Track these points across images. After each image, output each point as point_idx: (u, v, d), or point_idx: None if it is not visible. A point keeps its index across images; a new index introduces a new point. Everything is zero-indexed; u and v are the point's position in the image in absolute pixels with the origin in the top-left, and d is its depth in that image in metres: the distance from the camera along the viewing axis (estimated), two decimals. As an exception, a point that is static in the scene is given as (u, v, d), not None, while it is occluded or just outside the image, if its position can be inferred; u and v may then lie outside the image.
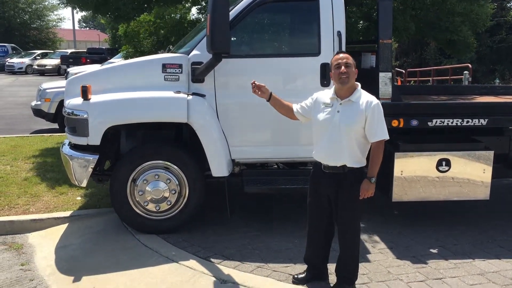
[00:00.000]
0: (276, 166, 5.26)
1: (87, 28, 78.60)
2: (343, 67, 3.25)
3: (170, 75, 4.50)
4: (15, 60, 31.04)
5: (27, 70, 30.09)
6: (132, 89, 4.46)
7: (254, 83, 3.63)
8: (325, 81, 4.56)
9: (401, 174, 4.60)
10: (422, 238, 4.54)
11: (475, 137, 4.93)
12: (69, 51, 33.45)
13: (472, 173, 4.61)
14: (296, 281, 3.65)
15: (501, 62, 26.67)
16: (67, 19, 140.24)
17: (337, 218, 3.40)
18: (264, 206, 5.42)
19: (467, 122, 4.52)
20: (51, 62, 29.70)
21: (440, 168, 4.59)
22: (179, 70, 4.50)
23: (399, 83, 15.43)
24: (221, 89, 4.53)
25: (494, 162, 5.07)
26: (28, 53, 33.11)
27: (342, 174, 3.28)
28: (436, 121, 4.51)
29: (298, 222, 4.88)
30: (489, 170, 4.64)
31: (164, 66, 4.50)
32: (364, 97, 3.28)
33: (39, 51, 33.33)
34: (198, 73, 4.41)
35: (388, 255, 4.16)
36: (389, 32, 4.61)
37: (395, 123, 4.50)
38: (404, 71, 14.80)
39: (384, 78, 4.58)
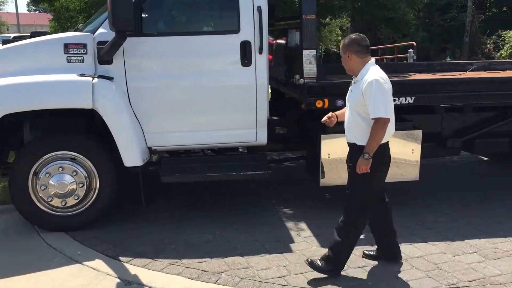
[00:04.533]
0: (203, 152, 4.95)
1: (37, 12, 74.88)
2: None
3: (74, 56, 4.07)
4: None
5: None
6: (31, 72, 4.00)
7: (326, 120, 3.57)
8: (245, 61, 4.25)
9: (329, 157, 4.39)
10: (350, 223, 4.36)
11: (406, 116, 4.80)
12: (12, 35, 31.63)
13: (400, 154, 4.45)
14: (365, 256, 3.66)
15: (452, 40, 27.18)
16: (11, 1, 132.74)
17: (346, 192, 3.39)
18: (194, 195, 5.11)
19: (394, 100, 4.29)
20: (-7, 47, 28.00)
21: (368, 150, 4.38)
22: (83, 51, 4.07)
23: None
24: (132, 71, 4.14)
25: (426, 141, 5.00)
26: (-31, 38, 31.07)
27: (356, 151, 3.27)
28: (362, 101, 4.29)
29: (223, 211, 4.63)
30: (418, 149, 4.50)
31: (66, 47, 4.05)
32: (367, 75, 3.21)
33: (-19, 36, 31.35)
34: (103, 54, 4.00)
35: (313, 244, 3.95)
36: (313, 6, 4.32)
37: (319, 103, 4.26)
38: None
39: (309, 56, 4.31)
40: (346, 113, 3.41)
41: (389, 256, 3.64)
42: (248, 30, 4.22)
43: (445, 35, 27.55)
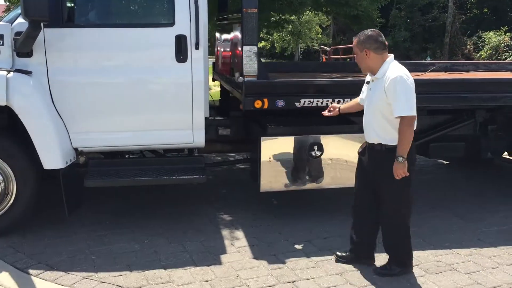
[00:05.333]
0: (142, 154, 4.63)
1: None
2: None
3: (-11, 48, 3.72)
4: None
5: None
6: None
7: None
8: (181, 56, 3.94)
9: (270, 161, 4.11)
10: (291, 231, 4.09)
11: (355, 118, 4.54)
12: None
13: (346, 158, 4.20)
14: (338, 258, 3.55)
15: (433, 40, 27.17)
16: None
17: (378, 196, 3.31)
18: (129, 199, 4.79)
19: (338, 102, 4.06)
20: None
21: (312, 153, 4.13)
22: (0, 42, 3.73)
23: (324, 60, 15.20)
24: (54, 65, 3.80)
25: (431, 142, 4.77)
26: None
27: (379, 152, 3.18)
28: (305, 102, 4.02)
29: (157, 217, 4.33)
30: (365, 154, 4.23)
31: (-20, 37, 3.70)
32: (389, 72, 3.08)
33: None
34: (19, 46, 3.65)
35: (246, 255, 3.67)
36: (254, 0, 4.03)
37: (258, 104, 3.98)
38: (328, 49, 14.47)
39: (249, 53, 4.01)
40: (365, 114, 3.27)
41: (365, 257, 3.51)
42: (183, 24, 3.92)
43: (426, 35, 27.53)
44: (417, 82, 4.48)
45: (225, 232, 4.06)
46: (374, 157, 3.25)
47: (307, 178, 4.19)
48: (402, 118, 3.00)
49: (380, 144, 3.17)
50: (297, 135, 4.11)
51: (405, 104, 3.00)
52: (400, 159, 3.03)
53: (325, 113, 3.68)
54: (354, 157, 4.17)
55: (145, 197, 4.80)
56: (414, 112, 3.03)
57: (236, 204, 4.71)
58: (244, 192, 4.96)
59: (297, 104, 4.01)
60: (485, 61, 7.44)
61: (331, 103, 4.03)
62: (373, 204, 3.37)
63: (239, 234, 4.04)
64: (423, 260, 3.62)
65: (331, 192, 4.67)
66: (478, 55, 25.23)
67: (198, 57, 3.98)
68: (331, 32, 28.97)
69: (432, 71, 5.82)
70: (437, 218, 4.43)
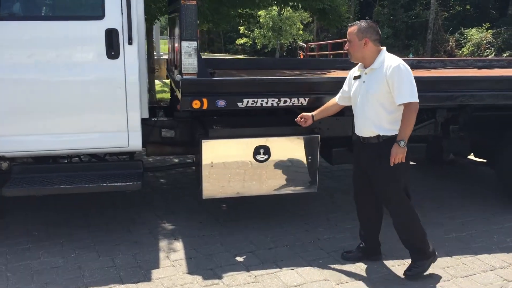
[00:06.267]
0: (79, 159, 4.30)
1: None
2: (346, 44, 3.22)
3: None
4: None
5: None
6: None
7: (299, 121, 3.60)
8: (112, 52, 3.62)
9: (212, 166, 3.81)
10: (235, 241, 3.80)
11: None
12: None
13: (295, 162, 3.92)
14: (345, 257, 3.53)
15: (415, 37, 27.09)
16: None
17: (376, 190, 3.30)
18: (65, 207, 4.46)
19: (285, 102, 3.77)
20: None
21: (258, 157, 3.84)
22: None
23: (301, 56, 14.92)
24: (-31, 61, 3.46)
25: (337, 147, 4.52)
26: None
27: (377, 144, 3.14)
28: (248, 101, 3.72)
29: (90, 227, 4.02)
30: (315, 157, 3.95)
31: None
32: (387, 61, 3.06)
33: None
34: None
35: (180, 269, 3.36)
36: (192, -10, 3.71)
37: (196, 104, 3.65)
38: (305, 45, 14.19)
39: (188, 48, 3.69)
40: (358, 108, 3.20)
41: (371, 254, 3.51)
42: (114, 16, 3.60)
43: (409, 32, 27.45)
44: None
45: (163, 243, 3.75)
46: (371, 151, 3.19)
47: (253, 183, 3.89)
48: (408, 104, 3.00)
49: (378, 136, 3.13)
50: (241, 138, 3.81)
51: (410, 90, 3.01)
52: (402, 143, 3.03)
53: (298, 120, 3.61)
54: (303, 162, 3.96)
55: (85, 205, 4.46)
56: (416, 99, 3.03)
57: (181, 211, 4.40)
58: (193, 198, 4.65)
59: (239, 104, 3.71)
60: (453, 58, 7.20)
61: (277, 103, 3.77)
62: (374, 202, 3.40)
63: (178, 245, 3.73)
64: (371, 272, 3.35)
65: (283, 198, 4.39)
66: (460, 51, 25.21)
67: (131, 53, 3.66)
68: (314, 29, 28.77)
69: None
70: (392, 225, 4.15)
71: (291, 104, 3.78)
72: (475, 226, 4.15)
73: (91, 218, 4.21)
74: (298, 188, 4.00)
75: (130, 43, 3.64)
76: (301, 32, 20.92)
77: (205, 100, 3.66)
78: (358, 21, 3.19)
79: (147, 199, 4.71)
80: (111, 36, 3.60)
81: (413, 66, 5.82)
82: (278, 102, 3.75)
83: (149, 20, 6.77)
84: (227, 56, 24.78)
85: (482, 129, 4.74)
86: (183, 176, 5.47)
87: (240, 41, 24.29)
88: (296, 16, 20.04)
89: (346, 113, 4.45)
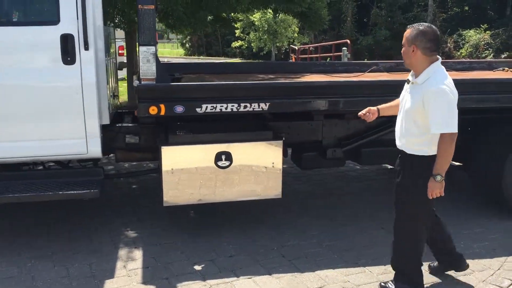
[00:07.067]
0: (43, 167, 4.24)
1: None
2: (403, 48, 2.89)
3: None
4: None
5: None
6: None
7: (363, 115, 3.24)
8: (68, 58, 3.57)
9: (172, 173, 3.74)
10: (197, 249, 3.73)
11: (274, 123, 4.21)
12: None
13: (258, 168, 3.85)
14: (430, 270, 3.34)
15: (414, 38, 26.94)
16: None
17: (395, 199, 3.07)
18: (27, 214, 4.40)
19: (245, 107, 3.71)
20: None
21: (220, 163, 3.77)
22: None
23: (293, 60, 14.84)
24: None
25: (306, 151, 4.46)
26: None
27: (405, 157, 2.92)
28: (207, 107, 3.66)
29: (50, 236, 3.96)
30: (279, 162, 3.88)
31: None
32: (431, 80, 2.75)
33: None
34: None
35: (134, 279, 3.30)
36: (151, -6, 3.66)
37: (153, 110, 3.60)
38: (297, 48, 14.13)
39: (146, 53, 3.63)
40: (399, 117, 2.99)
41: (454, 265, 3.30)
42: (70, 21, 3.55)
43: (407, 34, 27.34)
44: (317, 85, 4.19)
45: (122, 252, 3.69)
46: (403, 164, 2.97)
47: (216, 190, 3.83)
48: (442, 135, 2.72)
49: (411, 154, 2.90)
50: (202, 144, 3.75)
51: (444, 119, 2.70)
52: (439, 178, 2.74)
53: (361, 114, 3.24)
54: (267, 167, 3.89)
55: (50, 213, 4.41)
56: (453, 129, 2.71)
57: (147, 218, 4.34)
58: (159, 205, 4.58)
59: (198, 110, 3.64)
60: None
61: (237, 108, 3.71)
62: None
63: (138, 253, 3.67)
64: (330, 281, 3.27)
65: (251, 204, 4.32)
66: (458, 53, 25.09)
67: (88, 58, 3.61)
68: (315, 31, 28.72)
69: (372, 71, 5.51)
70: (361, 230, 4.09)
71: (251, 109, 3.72)
72: (445, 232, 4.06)
73: (54, 226, 4.15)
74: (262, 194, 3.92)
75: (86, 48, 3.59)
76: (296, 35, 20.86)
77: (162, 106, 3.60)
78: (416, 24, 2.87)
79: (114, 206, 4.65)
80: (67, 42, 3.55)
81: (391, 69, 5.78)
82: (238, 108, 3.69)
83: (128, 25, 6.73)
84: (222, 60, 24.81)
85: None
86: (155, 182, 5.41)
87: (236, 44, 24.28)
88: (291, 19, 19.97)
89: (315, 117, 4.45)
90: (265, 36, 21.07)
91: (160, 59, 4.51)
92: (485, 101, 4.06)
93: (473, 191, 4.76)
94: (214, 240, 3.88)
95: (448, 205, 4.65)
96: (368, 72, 5.35)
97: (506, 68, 5.78)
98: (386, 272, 3.37)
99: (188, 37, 32.77)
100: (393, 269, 3.14)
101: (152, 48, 3.65)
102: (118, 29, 7.45)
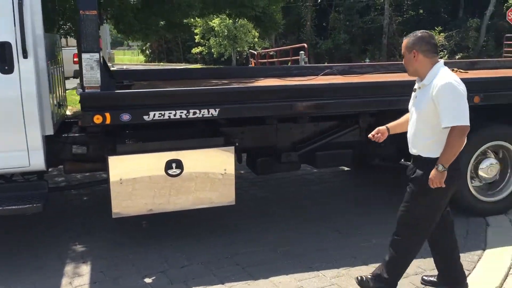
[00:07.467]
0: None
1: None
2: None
3: None
4: None
5: None
6: None
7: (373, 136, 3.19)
8: (6, 67, 3.41)
9: (121, 183, 3.63)
10: (147, 261, 3.62)
11: (226, 129, 4.17)
12: None
13: (210, 175, 3.78)
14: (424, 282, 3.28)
15: (371, 42, 27.62)
16: None
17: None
18: None
19: (194, 113, 3.64)
20: None
21: (170, 172, 3.69)
22: None
23: (253, 64, 14.88)
24: None
25: (260, 156, 4.44)
26: None
27: (423, 165, 2.87)
28: (155, 114, 3.56)
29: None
30: (231, 168, 3.84)
31: None
32: (438, 78, 2.79)
33: None
34: None
35: (80, 295, 3.17)
36: (93, 0, 3.55)
37: (98, 119, 3.47)
38: (256, 53, 14.17)
39: (90, 61, 3.50)
40: (410, 123, 2.98)
41: (450, 282, 3.17)
42: (6, 29, 3.39)
43: (365, 37, 27.96)
44: (266, 89, 4.14)
45: (69, 268, 3.54)
46: (420, 166, 2.90)
47: (167, 199, 3.74)
48: (453, 128, 2.72)
49: (420, 156, 2.89)
50: (151, 152, 3.66)
51: (455, 113, 2.71)
52: (440, 167, 2.76)
53: (372, 136, 3.19)
54: (219, 174, 3.83)
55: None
56: (466, 122, 2.72)
57: (97, 231, 4.19)
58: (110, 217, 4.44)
59: (145, 117, 3.54)
60: (385, 63, 7.25)
61: (186, 115, 3.63)
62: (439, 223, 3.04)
63: (85, 268, 3.52)
64: (283, 287, 3.24)
65: (205, 212, 4.24)
66: (415, 55, 25.84)
67: (27, 67, 3.45)
68: (273, 35, 28.92)
69: (325, 74, 5.54)
70: (315, 234, 4.09)
71: (201, 115, 3.65)
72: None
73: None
74: (215, 202, 3.86)
75: (25, 56, 3.43)
76: (256, 39, 20.94)
77: (107, 115, 3.48)
78: (411, 33, 2.93)
79: (63, 219, 4.47)
80: (4, 50, 3.39)
81: (345, 71, 5.85)
82: (187, 114, 3.62)
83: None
84: (182, 66, 24.60)
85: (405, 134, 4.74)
86: (107, 193, 5.25)
87: (196, 50, 24.14)
88: (251, 24, 20.04)
89: (268, 122, 4.43)
90: (225, 42, 21.05)
91: (119, 67, 4.39)
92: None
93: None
94: (167, 250, 3.78)
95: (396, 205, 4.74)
96: (321, 75, 5.38)
97: (455, 69, 5.95)
98: (340, 275, 3.38)
99: (148, 43, 32.37)
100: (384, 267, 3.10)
101: (96, 55, 3.52)
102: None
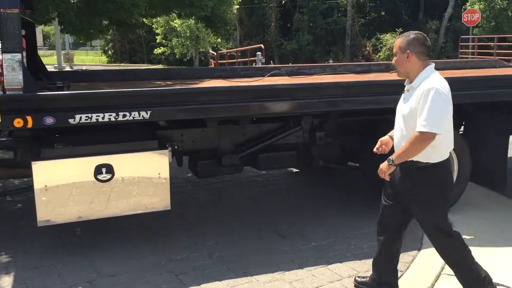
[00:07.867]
0: None
1: None
2: (393, 58, 2.90)
3: None
4: None
5: None
6: None
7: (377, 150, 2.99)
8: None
9: (46, 190, 3.46)
10: (76, 270, 3.46)
11: (163, 132, 4.06)
12: None
13: (143, 179, 3.66)
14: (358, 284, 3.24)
15: (335, 43, 27.94)
16: None
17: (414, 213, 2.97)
18: None
19: (124, 116, 3.51)
20: None
21: (100, 177, 3.54)
22: None
23: (213, 65, 14.79)
24: None
25: (201, 159, 4.34)
26: None
27: (409, 169, 2.82)
28: (81, 117, 3.41)
29: None
30: (165, 173, 3.72)
31: None
32: (426, 82, 2.73)
33: None
34: None
35: (-2, 309, 2.99)
36: (14, -3, 3.37)
37: (19, 122, 3.29)
38: (216, 54, 14.05)
39: (11, 61, 3.33)
40: (397, 126, 2.91)
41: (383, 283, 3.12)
42: None
43: (329, 38, 28.25)
44: (201, 90, 4.05)
45: (2, 281, 3.34)
46: (405, 176, 2.85)
47: (97, 205, 3.58)
48: (422, 133, 2.66)
49: (412, 160, 2.78)
50: (78, 157, 3.50)
51: (429, 120, 2.64)
52: (390, 162, 2.79)
53: (377, 149, 2.98)
54: (153, 178, 3.71)
55: None
56: (435, 129, 2.64)
57: (26, 239, 3.99)
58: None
59: (71, 120, 3.38)
60: (333, 64, 7.29)
61: (115, 118, 3.49)
62: (398, 227, 3.04)
63: (7, 280, 3.33)
64: (214, 294, 3.16)
65: (144, 217, 4.11)
66: (377, 56, 26.30)
67: None
68: (237, 36, 28.82)
69: (272, 75, 5.49)
70: (256, 238, 4.02)
71: (131, 118, 3.52)
72: (337, 233, 4.10)
73: None
74: (149, 207, 3.74)
75: None
76: (219, 40, 20.80)
77: (29, 118, 3.31)
78: (404, 33, 2.86)
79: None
80: None
81: (293, 72, 5.82)
82: (117, 117, 3.48)
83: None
84: (144, 67, 24.19)
85: (349, 135, 4.75)
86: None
87: (158, 50, 23.79)
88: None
89: (208, 124, 4.33)
90: (188, 42, 20.81)
91: (78, 67, 4.18)
92: (367, 102, 4.15)
93: (369, 191, 4.86)
94: (97, 259, 3.63)
95: (347, 206, 4.74)
96: (268, 76, 5.33)
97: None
98: (274, 280, 3.32)
99: (111, 44, 31.66)
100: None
101: (18, 55, 3.35)
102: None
